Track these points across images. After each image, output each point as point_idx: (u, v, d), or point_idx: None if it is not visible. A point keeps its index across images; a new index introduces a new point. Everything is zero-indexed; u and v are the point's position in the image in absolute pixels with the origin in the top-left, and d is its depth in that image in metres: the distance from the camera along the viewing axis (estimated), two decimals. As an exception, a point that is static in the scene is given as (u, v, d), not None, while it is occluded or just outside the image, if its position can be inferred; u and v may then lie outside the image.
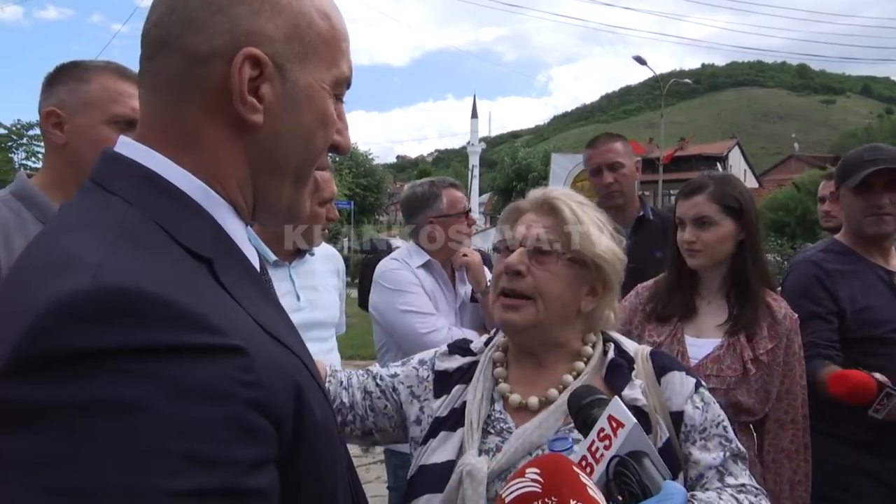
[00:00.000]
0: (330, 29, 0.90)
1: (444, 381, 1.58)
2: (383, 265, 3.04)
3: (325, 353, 2.58)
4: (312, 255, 2.71)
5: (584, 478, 1.00)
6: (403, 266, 3.00)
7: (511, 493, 0.99)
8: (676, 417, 1.42)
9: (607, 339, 1.56)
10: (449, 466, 1.40)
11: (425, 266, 3.01)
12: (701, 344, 2.32)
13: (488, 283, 3.00)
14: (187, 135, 0.84)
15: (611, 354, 1.50)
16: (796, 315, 2.35)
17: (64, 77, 1.93)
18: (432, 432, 1.50)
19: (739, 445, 1.43)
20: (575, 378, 1.47)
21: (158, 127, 0.85)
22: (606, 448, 1.12)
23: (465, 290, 3.11)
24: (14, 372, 0.60)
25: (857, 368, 2.32)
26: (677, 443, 1.41)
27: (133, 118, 1.88)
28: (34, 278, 0.68)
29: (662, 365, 1.49)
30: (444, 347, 1.68)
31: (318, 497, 0.83)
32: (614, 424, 1.13)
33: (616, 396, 1.20)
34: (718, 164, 58.80)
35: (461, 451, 1.42)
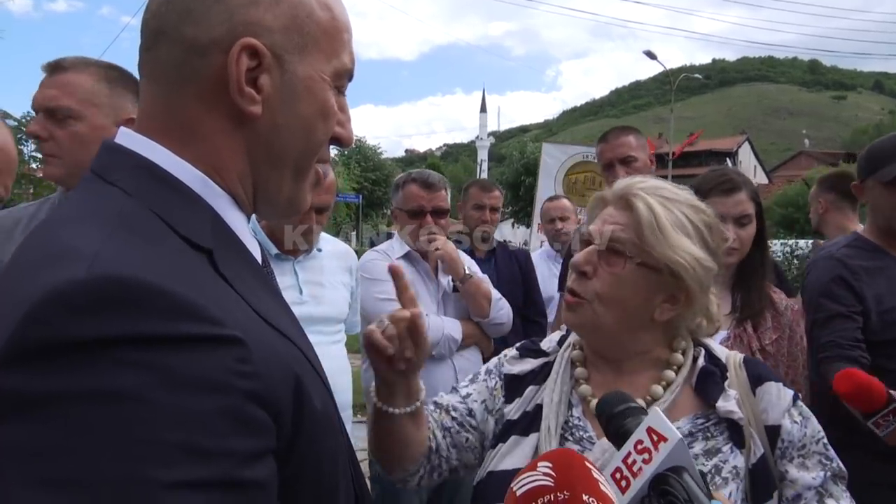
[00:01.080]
0: (331, 20, 0.89)
1: (515, 385, 1.48)
2: (364, 257, 3.08)
3: (328, 344, 2.57)
4: (320, 250, 2.69)
5: (596, 473, 0.97)
6: (382, 257, 3.04)
7: (522, 486, 0.97)
8: (772, 432, 1.32)
9: (696, 344, 1.44)
10: None
11: (406, 257, 3.04)
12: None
13: (466, 271, 3.02)
14: (186, 126, 0.83)
15: (701, 361, 1.39)
16: (797, 306, 2.33)
17: None
18: (502, 436, 1.41)
19: (840, 465, 1.33)
20: (665, 389, 1.36)
21: (158, 118, 0.84)
22: (646, 462, 1.07)
23: (448, 280, 3.11)
24: (8, 361, 0.60)
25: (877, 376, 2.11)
26: (772, 459, 1.31)
27: (35, 108, 1.94)
28: (31, 268, 0.68)
29: (758, 374, 1.38)
30: (512, 351, 1.57)
31: (319, 488, 0.83)
32: (655, 437, 1.07)
33: (655, 407, 1.15)
34: (728, 159, 58.50)
35: (535, 457, 1.31)
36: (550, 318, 3.79)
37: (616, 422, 1.14)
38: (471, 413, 1.49)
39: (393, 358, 1.29)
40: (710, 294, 1.41)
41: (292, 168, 0.90)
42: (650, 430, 1.07)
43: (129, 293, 0.63)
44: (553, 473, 0.95)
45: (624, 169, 3.15)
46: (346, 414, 2.61)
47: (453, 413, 1.49)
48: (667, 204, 1.34)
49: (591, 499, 0.92)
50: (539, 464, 0.98)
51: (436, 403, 1.52)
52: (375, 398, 1.37)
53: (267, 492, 0.70)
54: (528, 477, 0.98)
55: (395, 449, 1.41)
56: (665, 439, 1.05)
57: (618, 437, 1.14)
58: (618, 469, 1.09)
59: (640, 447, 1.08)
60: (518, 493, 0.97)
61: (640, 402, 1.17)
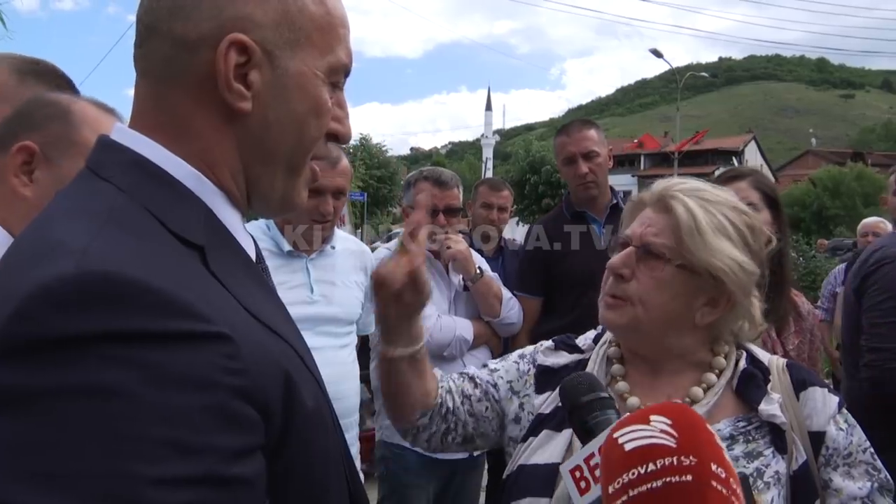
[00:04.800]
0: (324, 14, 0.88)
1: (547, 378, 1.45)
2: (375, 254, 3.08)
3: (336, 348, 2.54)
4: (334, 248, 2.66)
5: (717, 439, 0.87)
6: (395, 254, 3.01)
7: (632, 440, 0.85)
8: (816, 438, 1.28)
9: (737, 347, 1.41)
10: (553, 469, 1.26)
11: None
12: None
13: (478, 269, 3.02)
14: (177, 122, 0.83)
15: (742, 363, 1.35)
16: (817, 311, 2.36)
17: None
18: (533, 430, 1.39)
19: (888, 477, 1.28)
20: (706, 392, 1.32)
21: (149, 115, 0.84)
22: None
23: (459, 279, 3.11)
24: None
25: None
26: (815, 466, 1.27)
27: None
28: (21, 263, 0.68)
29: (801, 378, 1.34)
30: (548, 342, 1.53)
31: (309, 485, 0.83)
32: None
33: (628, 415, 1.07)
34: (734, 158, 58.29)
35: (568, 453, 1.27)
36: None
37: (580, 413, 1.06)
38: (495, 386, 1.49)
39: (399, 295, 1.32)
40: (753, 297, 1.36)
41: (285, 165, 0.89)
42: None
43: (115, 289, 0.63)
44: (674, 433, 0.84)
45: (587, 164, 3.15)
46: (352, 420, 2.59)
47: (477, 380, 1.49)
48: (707, 206, 1.30)
49: (719, 469, 0.81)
50: (652, 417, 0.87)
51: (461, 373, 1.54)
52: (380, 342, 1.40)
53: (254, 489, 0.70)
54: (638, 430, 0.86)
55: (397, 395, 1.43)
56: None
57: (581, 431, 1.06)
58: (578, 468, 1.01)
59: None
60: (627, 447, 0.85)
61: (606, 394, 1.09)
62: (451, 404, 1.46)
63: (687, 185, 1.36)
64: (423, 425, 1.45)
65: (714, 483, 0.80)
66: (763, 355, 1.41)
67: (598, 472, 0.96)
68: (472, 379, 1.50)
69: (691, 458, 0.81)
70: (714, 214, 1.29)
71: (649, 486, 0.80)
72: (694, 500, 0.79)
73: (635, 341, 1.39)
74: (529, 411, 1.44)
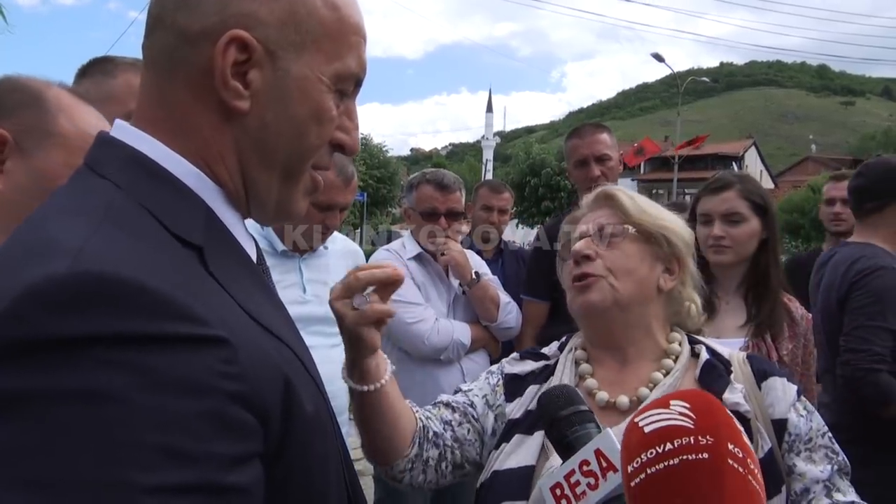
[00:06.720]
0: (336, 20, 0.85)
1: (515, 385, 1.50)
2: (375, 256, 3.08)
3: (328, 348, 2.55)
4: (326, 248, 2.67)
5: (736, 422, 0.90)
6: (394, 257, 3.02)
7: (652, 423, 0.88)
8: (779, 426, 1.34)
9: (696, 342, 1.47)
10: (528, 472, 1.30)
11: (417, 258, 3.03)
12: (723, 344, 2.31)
13: (474, 274, 3.01)
14: (176, 116, 0.81)
15: (704, 355, 1.42)
16: (810, 315, 2.37)
17: (93, 70, 1.89)
18: (505, 436, 1.41)
19: (845, 459, 1.35)
20: (665, 376, 1.39)
21: (149, 105, 0.83)
22: (591, 487, 0.98)
23: (458, 282, 3.11)
24: None
25: None
26: (779, 453, 1.33)
27: None
28: (14, 262, 0.66)
29: (762, 369, 1.41)
30: (514, 354, 1.61)
31: (309, 492, 0.81)
32: (604, 464, 0.98)
33: (608, 429, 1.05)
34: (734, 163, 58.38)
35: (542, 454, 1.31)
36: None
37: (560, 427, 1.06)
38: (472, 405, 1.50)
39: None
40: (693, 290, 1.52)
41: (281, 170, 0.86)
42: (598, 454, 0.98)
43: (110, 290, 0.62)
44: (692, 415, 0.87)
45: (599, 167, 3.11)
46: (342, 419, 2.59)
47: (454, 404, 1.50)
48: (638, 196, 1.52)
49: (736, 448, 0.84)
50: (672, 402, 0.90)
51: (435, 403, 1.54)
52: (358, 385, 1.35)
53: (251, 497, 0.68)
54: (658, 413, 0.88)
55: (388, 427, 1.38)
56: (615, 469, 0.96)
57: (560, 447, 1.05)
58: (559, 485, 1.00)
59: (585, 468, 0.99)
60: (646, 429, 0.87)
61: (585, 407, 1.10)
62: (435, 429, 1.45)
63: (615, 186, 1.57)
64: (416, 455, 1.42)
65: (730, 461, 0.82)
66: (723, 350, 1.48)
67: (578, 490, 0.98)
68: (447, 405, 1.51)
69: (708, 437, 0.83)
70: (645, 198, 1.52)
71: (666, 463, 0.83)
72: (710, 477, 0.81)
73: (613, 320, 1.43)
74: (502, 422, 1.47)
